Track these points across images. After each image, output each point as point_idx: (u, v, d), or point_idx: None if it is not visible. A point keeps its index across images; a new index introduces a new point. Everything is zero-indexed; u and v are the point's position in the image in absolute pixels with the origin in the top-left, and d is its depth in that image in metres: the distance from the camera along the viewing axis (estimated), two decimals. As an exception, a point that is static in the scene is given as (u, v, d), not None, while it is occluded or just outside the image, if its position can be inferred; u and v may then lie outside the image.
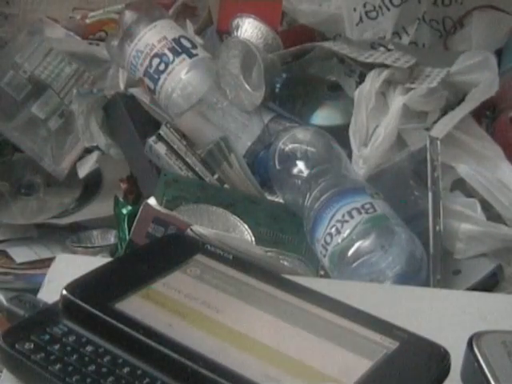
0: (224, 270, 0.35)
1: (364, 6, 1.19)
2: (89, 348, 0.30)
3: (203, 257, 0.36)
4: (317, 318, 0.33)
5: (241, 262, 0.36)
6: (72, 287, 0.32)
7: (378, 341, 0.32)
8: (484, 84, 1.02)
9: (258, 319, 0.33)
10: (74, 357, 0.30)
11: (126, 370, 0.30)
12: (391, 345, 0.32)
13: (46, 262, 1.09)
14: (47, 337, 0.31)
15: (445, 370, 0.31)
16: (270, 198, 1.04)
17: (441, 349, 0.32)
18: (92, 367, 0.30)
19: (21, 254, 1.17)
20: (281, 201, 1.02)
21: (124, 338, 0.31)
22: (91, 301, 0.32)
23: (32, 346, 0.31)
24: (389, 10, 1.19)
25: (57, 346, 0.31)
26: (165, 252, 0.37)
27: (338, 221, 0.90)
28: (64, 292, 0.32)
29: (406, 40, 1.20)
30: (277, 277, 0.36)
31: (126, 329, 0.31)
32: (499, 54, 1.16)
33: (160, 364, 0.30)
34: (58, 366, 0.30)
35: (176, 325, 0.32)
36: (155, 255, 0.36)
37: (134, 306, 0.33)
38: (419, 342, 0.32)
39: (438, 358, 0.31)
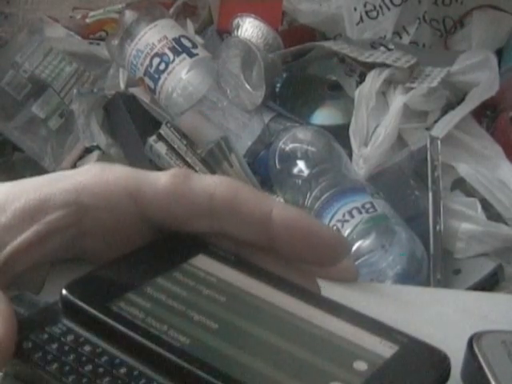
0: (223, 272, 0.35)
1: (364, 5, 1.19)
2: (86, 348, 0.30)
3: (205, 257, 0.36)
4: (313, 326, 0.33)
5: (242, 263, 0.36)
6: (72, 286, 0.32)
7: (378, 344, 0.32)
8: (484, 84, 1.02)
9: (243, 331, 0.32)
10: (71, 356, 0.30)
11: (122, 370, 0.30)
12: (390, 349, 0.31)
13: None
14: (46, 336, 0.31)
15: (444, 375, 0.31)
16: (270, 197, 1.04)
17: (441, 353, 0.31)
18: (89, 367, 0.30)
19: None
20: (281, 200, 1.02)
21: (122, 338, 0.31)
22: (90, 301, 0.32)
23: (30, 345, 0.31)
24: (389, 9, 1.19)
25: (55, 346, 0.31)
26: (166, 251, 0.36)
27: (338, 220, 0.90)
28: (64, 292, 0.32)
29: (406, 40, 1.20)
30: (278, 278, 0.36)
31: (124, 329, 0.31)
32: (499, 53, 1.16)
33: (157, 365, 0.30)
34: (54, 366, 0.30)
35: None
36: (157, 255, 0.36)
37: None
38: (419, 346, 0.32)
39: (438, 362, 0.31)
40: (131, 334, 0.30)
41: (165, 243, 0.36)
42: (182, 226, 0.36)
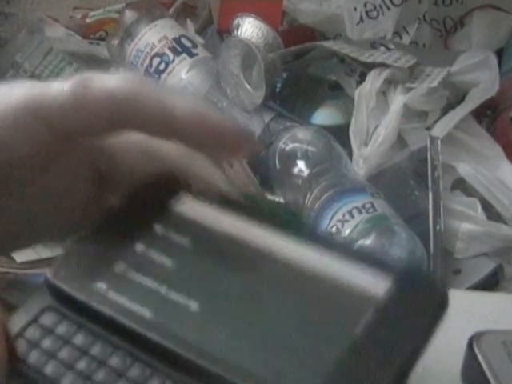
0: (206, 220, 0.34)
1: (364, 5, 1.19)
2: (78, 339, 0.30)
3: (183, 205, 0.35)
4: (303, 267, 0.32)
5: (227, 203, 0.35)
6: (56, 271, 0.32)
7: (371, 280, 0.31)
8: (484, 84, 1.02)
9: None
10: (66, 351, 0.30)
11: (115, 360, 0.29)
12: (384, 281, 0.31)
13: (46, 262, 1.09)
14: (38, 331, 0.31)
15: (443, 303, 0.30)
16: (270, 197, 1.04)
17: (435, 280, 0.31)
18: (82, 364, 0.30)
19: (21, 253, 1.17)
20: (281, 200, 1.02)
21: (109, 323, 0.30)
22: (75, 284, 0.32)
23: (25, 344, 0.31)
24: (389, 9, 1.19)
25: (48, 341, 0.31)
26: (140, 213, 0.35)
27: (338, 220, 0.90)
28: (48, 276, 0.32)
29: (406, 39, 1.20)
30: (256, 210, 0.35)
31: (110, 313, 0.31)
32: (500, 53, 1.16)
33: (149, 350, 0.30)
34: (51, 367, 0.30)
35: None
36: (132, 218, 0.35)
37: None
38: (412, 275, 0.31)
39: (434, 290, 0.31)
40: (117, 318, 0.30)
41: (135, 202, 0.35)
42: (89, 132, 0.35)
